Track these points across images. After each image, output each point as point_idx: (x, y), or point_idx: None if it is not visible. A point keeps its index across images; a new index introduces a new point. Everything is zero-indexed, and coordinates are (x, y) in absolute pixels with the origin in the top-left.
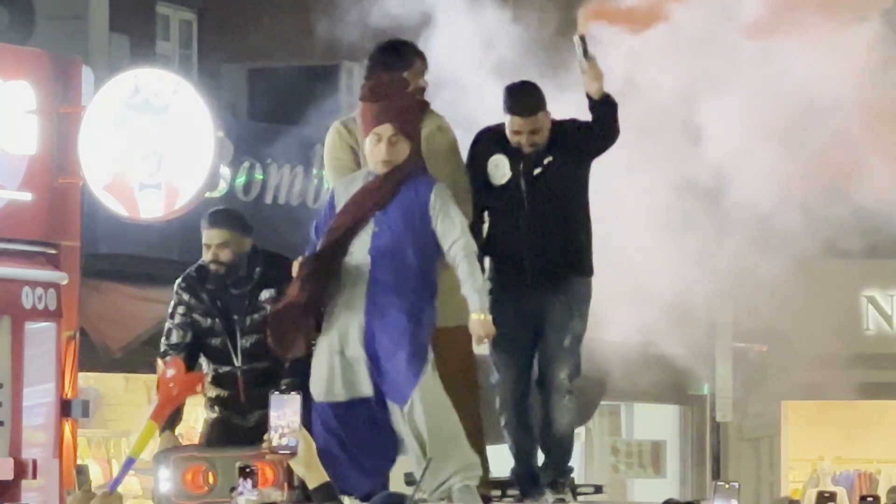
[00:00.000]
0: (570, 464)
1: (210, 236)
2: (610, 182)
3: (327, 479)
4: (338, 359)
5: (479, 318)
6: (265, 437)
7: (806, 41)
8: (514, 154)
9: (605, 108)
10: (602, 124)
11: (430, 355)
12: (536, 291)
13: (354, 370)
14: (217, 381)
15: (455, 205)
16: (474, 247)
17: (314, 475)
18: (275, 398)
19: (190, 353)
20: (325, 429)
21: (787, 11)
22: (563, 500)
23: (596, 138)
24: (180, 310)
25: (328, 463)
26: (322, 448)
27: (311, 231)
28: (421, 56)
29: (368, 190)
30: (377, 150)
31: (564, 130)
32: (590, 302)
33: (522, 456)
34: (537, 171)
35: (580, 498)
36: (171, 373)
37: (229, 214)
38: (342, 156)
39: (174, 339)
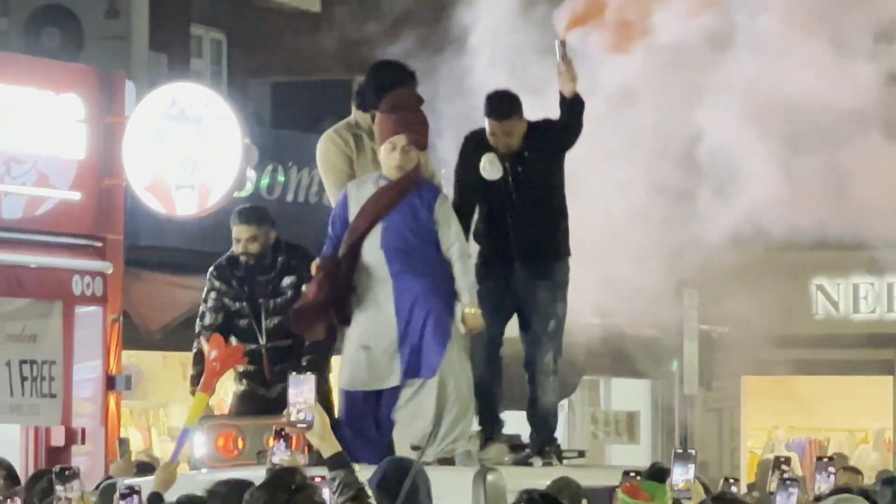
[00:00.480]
0: (555, 434)
1: (240, 231)
2: (596, 183)
3: (339, 448)
4: (363, 354)
5: (470, 312)
6: (284, 412)
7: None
8: (500, 154)
9: (574, 106)
10: (569, 119)
11: (454, 330)
12: (523, 275)
13: (382, 363)
14: (244, 357)
15: (454, 213)
16: (467, 250)
17: (328, 445)
18: (293, 378)
19: (221, 333)
20: (350, 412)
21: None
22: (550, 463)
23: (564, 133)
24: (213, 295)
25: (353, 440)
26: (346, 427)
27: (329, 226)
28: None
29: (381, 194)
30: (391, 157)
31: (539, 131)
32: (568, 283)
33: (485, 394)
34: (520, 168)
35: (565, 462)
36: (213, 354)
37: (257, 211)
38: (338, 162)
39: (207, 320)
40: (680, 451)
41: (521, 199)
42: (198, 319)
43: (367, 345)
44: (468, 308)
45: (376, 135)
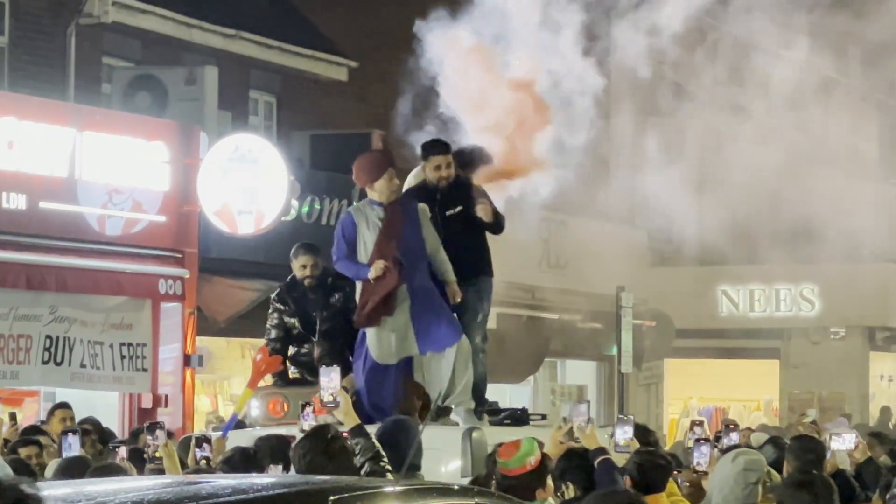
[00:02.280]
0: (485, 396)
1: (307, 259)
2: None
3: (359, 421)
4: (391, 336)
5: (455, 287)
6: (316, 396)
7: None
8: (431, 202)
9: (493, 225)
10: (494, 230)
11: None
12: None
13: (403, 341)
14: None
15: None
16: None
17: (350, 419)
18: (323, 370)
19: (283, 340)
20: (372, 376)
21: None
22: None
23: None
24: (275, 315)
25: (371, 392)
26: (368, 386)
27: (337, 239)
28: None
29: (393, 218)
30: (393, 184)
31: (468, 186)
32: (490, 291)
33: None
34: (449, 212)
35: (532, 423)
36: (259, 357)
37: (313, 246)
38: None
39: (273, 334)
40: (622, 416)
41: (448, 234)
42: (266, 334)
43: (392, 329)
44: (453, 283)
45: (370, 174)
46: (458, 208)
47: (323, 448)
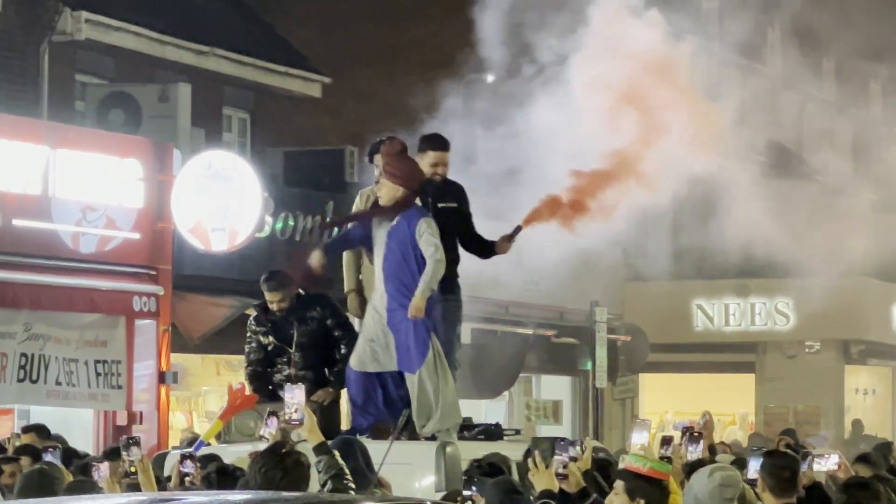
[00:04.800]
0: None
1: (272, 297)
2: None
3: (323, 439)
4: (369, 345)
5: (416, 301)
6: (281, 413)
7: None
8: (422, 194)
9: (493, 254)
10: (486, 255)
11: (434, 341)
12: None
13: (381, 353)
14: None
15: (434, 231)
16: (438, 264)
17: (314, 437)
18: (287, 387)
19: (262, 362)
20: (355, 388)
21: None
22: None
23: (477, 250)
24: (253, 340)
25: (356, 413)
26: (353, 400)
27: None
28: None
29: (379, 213)
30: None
31: (461, 187)
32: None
33: None
34: (441, 204)
35: (506, 437)
36: (237, 388)
37: (279, 278)
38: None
39: (252, 357)
40: (638, 419)
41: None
42: (244, 357)
43: (371, 338)
44: (416, 298)
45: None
46: (453, 204)
47: (278, 462)
